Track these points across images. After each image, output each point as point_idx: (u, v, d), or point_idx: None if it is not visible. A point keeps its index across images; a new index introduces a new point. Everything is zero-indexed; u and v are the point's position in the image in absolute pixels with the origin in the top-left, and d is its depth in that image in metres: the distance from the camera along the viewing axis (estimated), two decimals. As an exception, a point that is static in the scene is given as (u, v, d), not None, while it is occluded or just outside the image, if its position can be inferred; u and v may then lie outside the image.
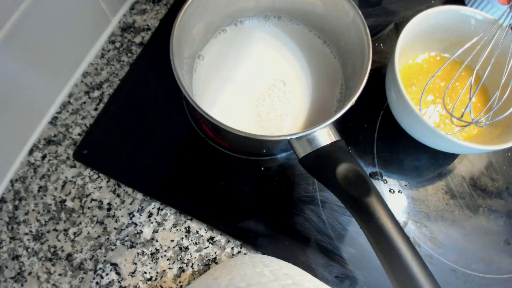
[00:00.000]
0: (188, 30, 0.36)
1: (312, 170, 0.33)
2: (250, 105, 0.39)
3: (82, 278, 0.39)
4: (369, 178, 0.30)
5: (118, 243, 0.40)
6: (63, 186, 0.42)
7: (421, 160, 0.43)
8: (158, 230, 0.40)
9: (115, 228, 0.40)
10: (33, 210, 0.41)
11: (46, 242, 0.40)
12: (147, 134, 0.43)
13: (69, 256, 0.39)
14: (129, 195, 0.42)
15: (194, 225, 0.41)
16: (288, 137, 0.31)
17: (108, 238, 0.40)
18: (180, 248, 0.40)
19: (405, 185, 0.42)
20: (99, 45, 0.48)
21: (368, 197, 0.28)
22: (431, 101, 0.42)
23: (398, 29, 0.49)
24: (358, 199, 0.29)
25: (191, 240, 0.40)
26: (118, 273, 0.39)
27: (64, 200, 0.41)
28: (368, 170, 0.42)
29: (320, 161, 0.31)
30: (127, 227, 0.40)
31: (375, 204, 0.28)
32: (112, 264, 0.39)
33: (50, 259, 0.39)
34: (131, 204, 0.41)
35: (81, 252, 0.40)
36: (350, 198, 0.29)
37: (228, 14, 0.41)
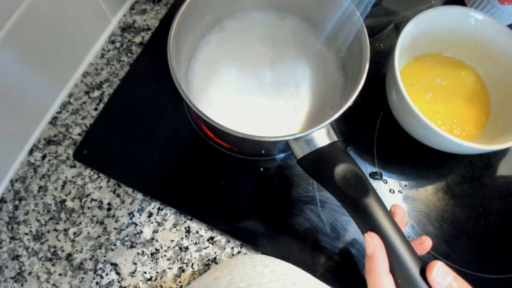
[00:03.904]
0: (186, 30, 0.36)
1: (310, 171, 0.33)
2: (248, 105, 0.39)
3: (82, 278, 0.39)
4: (367, 179, 0.30)
5: (118, 243, 0.40)
6: (63, 186, 0.42)
7: (421, 160, 0.43)
8: (158, 230, 0.40)
9: (115, 228, 0.40)
10: (33, 210, 0.41)
11: (46, 242, 0.40)
12: (147, 134, 0.43)
13: (69, 256, 0.40)
14: (129, 195, 0.42)
15: (194, 225, 0.41)
16: (286, 138, 0.31)
17: (108, 238, 0.40)
18: (180, 248, 0.40)
19: (405, 185, 0.42)
20: (99, 45, 0.48)
21: (366, 198, 0.28)
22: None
23: (398, 29, 0.49)
24: (356, 200, 0.29)
25: (191, 240, 0.40)
26: (118, 273, 0.39)
27: (64, 200, 0.42)
28: (368, 170, 0.42)
29: (318, 162, 0.31)
30: (127, 227, 0.40)
31: (373, 205, 0.28)
32: (112, 264, 0.39)
33: (50, 259, 0.39)
34: (131, 204, 0.41)
35: (81, 252, 0.40)
36: (348, 199, 0.29)
37: (227, 14, 0.41)
